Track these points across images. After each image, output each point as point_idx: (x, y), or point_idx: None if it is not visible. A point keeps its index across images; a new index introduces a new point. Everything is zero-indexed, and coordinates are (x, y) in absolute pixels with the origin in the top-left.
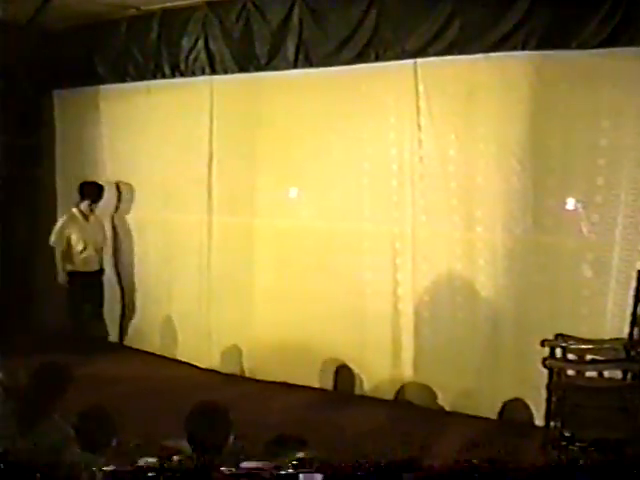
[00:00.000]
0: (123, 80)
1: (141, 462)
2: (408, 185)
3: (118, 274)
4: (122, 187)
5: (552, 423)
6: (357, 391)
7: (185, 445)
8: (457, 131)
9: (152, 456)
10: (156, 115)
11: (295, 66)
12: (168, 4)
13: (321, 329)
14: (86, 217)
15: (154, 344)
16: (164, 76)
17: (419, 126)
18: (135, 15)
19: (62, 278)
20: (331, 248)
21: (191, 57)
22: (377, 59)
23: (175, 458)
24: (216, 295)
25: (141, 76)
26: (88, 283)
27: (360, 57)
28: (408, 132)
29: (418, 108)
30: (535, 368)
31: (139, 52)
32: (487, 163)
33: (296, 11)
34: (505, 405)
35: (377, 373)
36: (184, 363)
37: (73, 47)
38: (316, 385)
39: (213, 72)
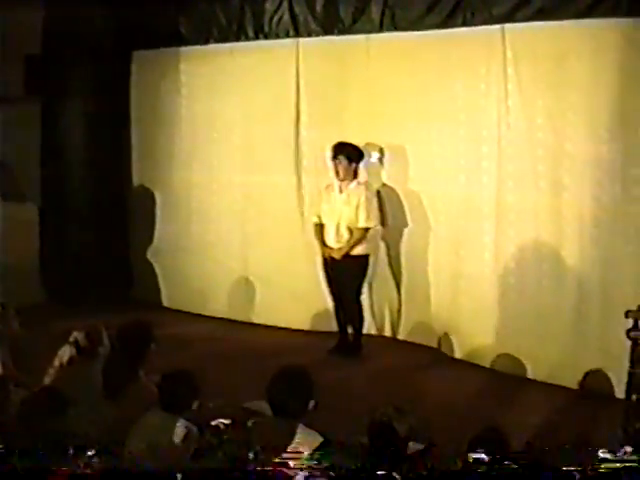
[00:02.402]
0: (206, 42)
1: (215, 423)
2: (495, 151)
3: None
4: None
5: (633, 396)
6: (452, 354)
7: (266, 407)
8: (545, 98)
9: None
10: (240, 77)
11: (381, 30)
12: None
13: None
14: (339, 189)
15: None
16: (248, 38)
17: (507, 92)
18: None
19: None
20: (425, 211)
21: (275, 19)
22: (464, 24)
23: (249, 423)
24: (307, 257)
25: (224, 38)
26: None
27: (447, 22)
28: (495, 98)
29: (506, 74)
30: (619, 339)
31: (223, 13)
32: (575, 131)
33: None
34: (587, 375)
35: (466, 338)
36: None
37: (156, 7)
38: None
39: (297, 34)
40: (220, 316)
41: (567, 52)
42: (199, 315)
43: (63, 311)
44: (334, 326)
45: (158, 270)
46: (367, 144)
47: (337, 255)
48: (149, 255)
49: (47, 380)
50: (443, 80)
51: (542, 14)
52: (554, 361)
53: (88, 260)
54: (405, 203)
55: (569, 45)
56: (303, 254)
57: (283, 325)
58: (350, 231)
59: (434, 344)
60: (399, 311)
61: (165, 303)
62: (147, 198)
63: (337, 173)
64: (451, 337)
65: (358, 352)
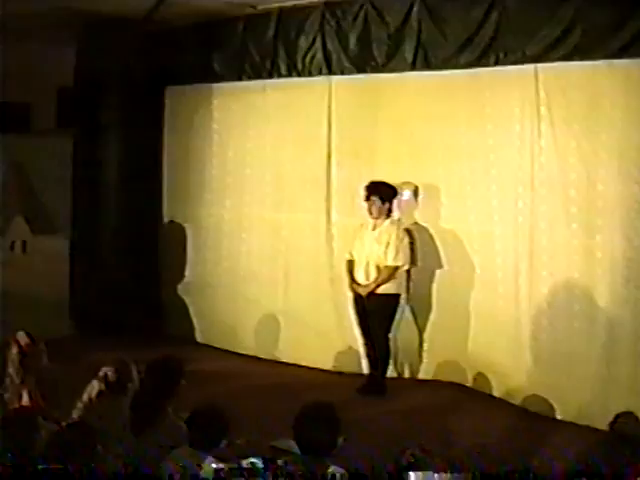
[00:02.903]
0: (239, 78)
1: (245, 463)
2: (529, 191)
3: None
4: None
5: None
6: (488, 391)
7: (293, 445)
8: (578, 138)
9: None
10: (271, 113)
11: (413, 68)
12: (285, 3)
13: (451, 328)
14: (373, 226)
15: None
16: (280, 75)
17: (540, 133)
18: (252, 14)
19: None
20: (457, 250)
21: (308, 57)
22: (497, 63)
23: (279, 462)
24: (335, 296)
25: (257, 74)
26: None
27: (480, 61)
28: (529, 138)
29: (539, 114)
30: None
31: (256, 50)
32: (608, 171)
33: (415, 12)
34: (617, 417)
35: (499, 377)
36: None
37: (190, 44)
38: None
39: (330, 72)
40: (250, 353)
41: (600, 92)
42: (230, 352)
43: (92, 344)
44: (358, 367)
45: (189, 305)
46: (401, 183)
47: (363, 292)
48: (180, 290)
49: (75, 414)
50: (476, 119)
51: (575, 54)
52: (584, 402)
53: (118, 293)
54: (437, 242)
55: (602, 85)
56: (331, 293)
57: (310, 364)
58: (378, 269)
59: (463, 384)
60: (420, 353)
61: (196, 338)
62: (178, 233)
63: (371, 212)
64: (484, 376)
65: (383, 392)
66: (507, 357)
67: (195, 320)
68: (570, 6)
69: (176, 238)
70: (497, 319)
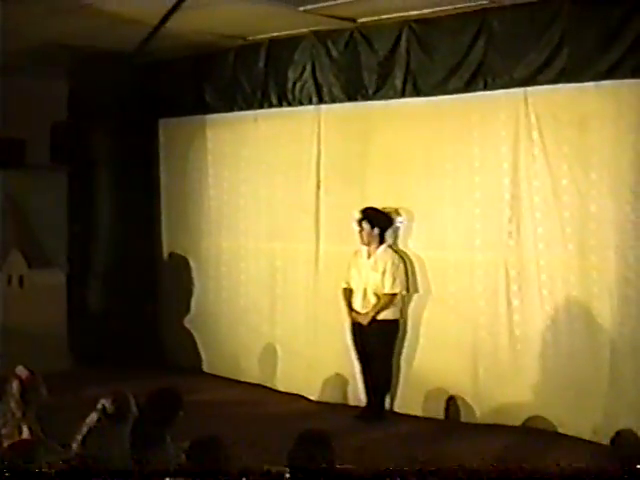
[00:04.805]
0: (230, 109)
1: None
2: (528, 214)
3: None
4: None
5: None
6: (467, 419)
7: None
8: (570, 160)
9: None
10: (263, 143)
11: (403, 95)
12: (275, 34)
13: (432, 358)
14: (367, 254)
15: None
16: (271, 105)
17: (532, 156)
18: (242, 45)
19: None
20: (442, 276)
21: (298, 86)
22: (486, 88)
23: None
24: (323, 324)
25: (248, 105)
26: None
27: (468, 86)
28: (522, 162)
29: (530, 138)
30: None
31: (246, 81)
32: (600, 192)
33: (404, 40)
34: (618, 433)
35: (492, 401)
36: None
37: (181, 76)
38: (426, 414)
39: (320, 101)
40: (253, 381)
41: (589, 114)
42: (231, 380)
43: (91, 377)
44: (344, 397)
45: (194, 335)
46: (385, 208)
47: (364, 320)
48: (184, 320)
49: (75, 446)
50: (467, 144)
51: (563, 77)
52: (585, 418)
53: (116, 326)
54: (425, 268)
55: (591, 107)
56: (322, 321)
57: (301, 393)
58: (377, 297)
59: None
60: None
61: (194, 367)
62: (180, 264)
63: (361, 238)
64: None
65: (381, 419)
66: (499, 381)
67: (200, 350)
68: (557, 29)
69: (177, 269)
70: (485, 344)
